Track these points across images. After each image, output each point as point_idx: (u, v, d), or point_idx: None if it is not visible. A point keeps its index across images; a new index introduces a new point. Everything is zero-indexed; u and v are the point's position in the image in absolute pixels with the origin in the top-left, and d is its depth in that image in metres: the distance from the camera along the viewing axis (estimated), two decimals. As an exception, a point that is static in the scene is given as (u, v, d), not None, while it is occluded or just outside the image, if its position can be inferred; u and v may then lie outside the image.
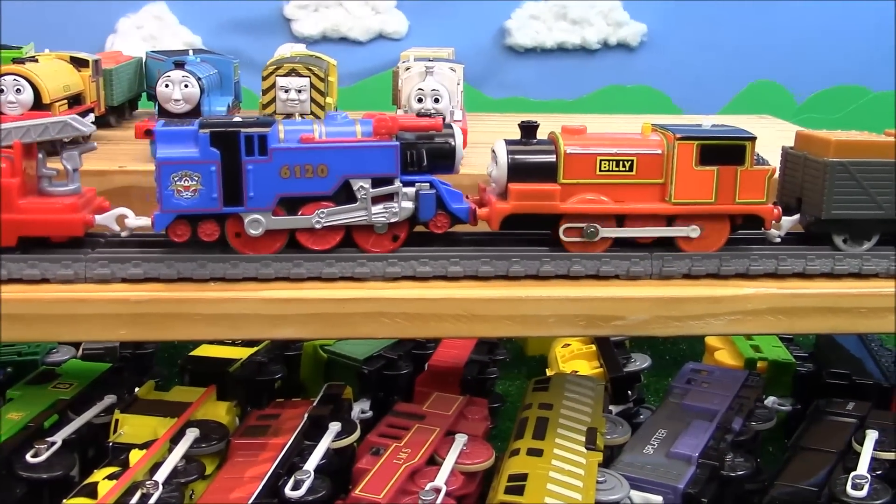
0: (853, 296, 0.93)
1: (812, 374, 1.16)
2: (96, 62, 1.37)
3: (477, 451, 0.92)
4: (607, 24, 2.49)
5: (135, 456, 0.86)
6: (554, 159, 0.87)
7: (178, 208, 0.84)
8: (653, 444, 0.95)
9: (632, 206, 0.89)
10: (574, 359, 1.21)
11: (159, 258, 0.86)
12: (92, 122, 1.27)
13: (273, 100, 1.20)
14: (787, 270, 0.94)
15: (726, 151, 0.88)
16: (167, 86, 1.20)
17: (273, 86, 1.20)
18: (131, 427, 0.93)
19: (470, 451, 0.92)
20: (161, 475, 0.84)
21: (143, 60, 1.57)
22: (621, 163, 0.88)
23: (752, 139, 0.89)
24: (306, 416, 0.95)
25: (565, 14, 2.47)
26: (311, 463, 0.87)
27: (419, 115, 1.19)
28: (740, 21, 2.53)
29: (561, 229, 0.89)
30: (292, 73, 1.19)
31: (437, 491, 0.84)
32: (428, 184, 0.87)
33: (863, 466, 0.92)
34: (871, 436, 0.97)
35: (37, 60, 1.24)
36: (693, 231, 0.90)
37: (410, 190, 0.87)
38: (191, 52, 1.44)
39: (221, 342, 1.16)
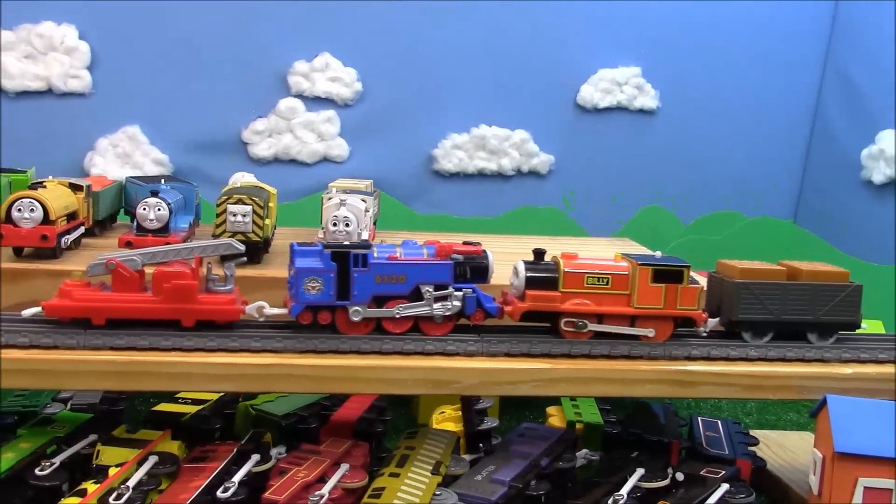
0: (622, 370, 1.39)
1: (616, 433, 1.60)
2: (88, 187, 1.82)
3: (354, 475, 1.35)
4: (520, 155, 3.00)
5: (112, 471, 1.28)
6: (556, 275, 1.32)
7: (307, 301, 1.26)
8: (482, 474, 1.38)
9: (607, 308, 1.33)
10: (445, 421, 1.65)
11: (138, 333, 1.29)
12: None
13: (224, 221, 1.66)
14: (578, 352, 1.39)
15: (670, 274, 1.33)
16: (144, 209, 1.65)
17: (225, 211, 1.66)
18: (109, 455, 1.35)
19: (350, 475, 1.34)
20: (131, 483, 1.26)
21: (124, 184, 2.03)
22: (601, 279, 1.32)
23: (688, 266, 1.34)
24: (235, 450, 1.38)
25: (484, 145, 2.97)
26: (237, 477, 1.30)
27: (333, 236, 1.65)
28: (633, 155, 3.05)
29: (561, 323, 1.32)
30: (239, 202, 1.65)
31: (322, 497, 1.26)
32: (471, 290, 1.31)
33: (624, 490, 1.36)
34: (638, 472, 1.41)
35: (45, 186, 1.68)
36: (650, 332, 1.33)
37: (459, 293, 1.30)
38: (163, 181, 1.90)
39: (176, 400, 1.59)
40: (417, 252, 1.31)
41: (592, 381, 1.37)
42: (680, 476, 1.42)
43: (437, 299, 1.29)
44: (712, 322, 1.41)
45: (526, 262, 1.35)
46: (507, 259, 1.44)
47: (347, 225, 1.64)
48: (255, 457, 1.37)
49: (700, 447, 1.55)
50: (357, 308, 1.28)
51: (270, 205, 1.81)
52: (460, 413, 1.65)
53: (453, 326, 1.34)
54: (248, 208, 1.65)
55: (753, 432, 1.73)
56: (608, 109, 3.02)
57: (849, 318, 1.40)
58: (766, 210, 3.16)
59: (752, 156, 3.10)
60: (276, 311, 1.33)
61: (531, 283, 1.32)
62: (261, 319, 1.33)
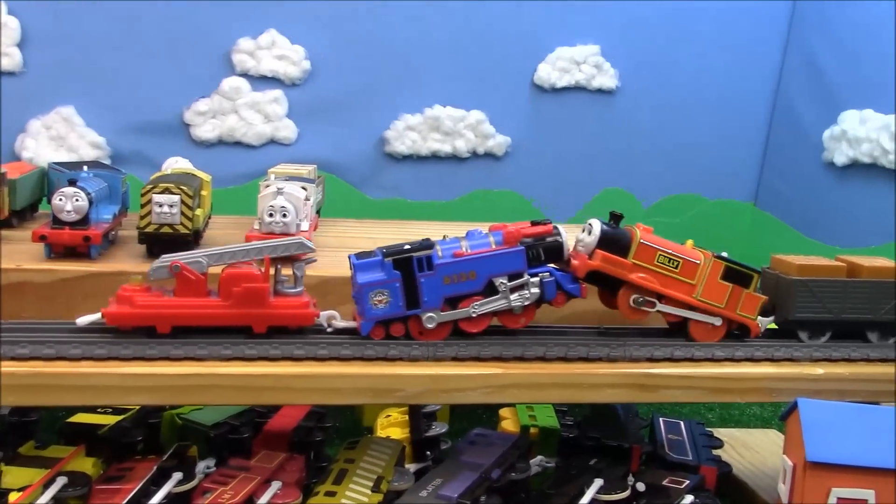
0: (580, 373, 1.27)
1: (574, 438, 1.49)
2: (3, 174, 1.66)
3: (287, 494, 1.22)
4: (476, 136, 2.87)
5: (13, 497, 1.13)
6: (630, 243, 1.22)
7: (376, 317, 1.15)
8: (428, 489, 1.25)
9: (670, 291, 1.23)
10: (391, 426, 1.52)
11: (43, 341, 1.15)
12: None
13: (150, 212, 1.51)
14: (532, 354, 1.27)
15: (742, 276, 1.25)
16: (60, 200, 1.49)
17: (150, 201, 1.50)
18: (13, 476, 1.20)
19: (282, 493, 1.21)
20: (33, 511, 1.12)
21: (46, 171, 1.86)
22: (672, 261, 1.24)
23: (759, 273, 1.25)
24: (155, 467, 1.24)
25: (438, 127, 2.84)
26: (155, 500, 1.16)
27: (269, 227, 1.50)
28: (592, 137, 2.94)
29: (621, 294, 1.22)
30: (166, 191, 1.50)
31: (249, 522, 1.13)
32: (548, 273, 1.19)
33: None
34: (596, 483, 1.30)
35: (-48, 175, 1.52)
36: (716, 320, 1.24)
37: (536, 279, 1.19)
38: (85, 168, 1.73)
39: (94, 410, 1.44)
40: (484, 242, 1.20)
41: (547, 387, 1.25)
42: (641, 486, 1.31)
43: (512, 290, 1.18)
44: (765, 321, 1.31)
45: (603, 222, 1.24)
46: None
47: (285, 215, 1.50)
48: (177, 475, 1.23)
49: (662, 452, 1.44)
50: (430, 314, 1.17)
51: (203, 193, 1.66)
52: (407, 417, 1.52)
53: (533, 315, 1.22)
54: (176, 198, 1.49)
55: (717, 431, 1.63)
56: (566, 89, 2.90)
57: None
58: (727, 192, 3.07)
59: (713, 137, 3.00)
60: (347, 323, 1.21)
61: (604, 243, 1.21)
62: (329, 331, 1.21)
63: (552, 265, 1.22)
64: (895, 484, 1.18)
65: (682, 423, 1.57)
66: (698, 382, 1.29)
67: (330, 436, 1.52)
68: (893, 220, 2.58)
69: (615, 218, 1.26)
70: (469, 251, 1.18)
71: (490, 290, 1.19)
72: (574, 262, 1.23)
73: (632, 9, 2.87)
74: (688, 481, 1.31)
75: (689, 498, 1.27)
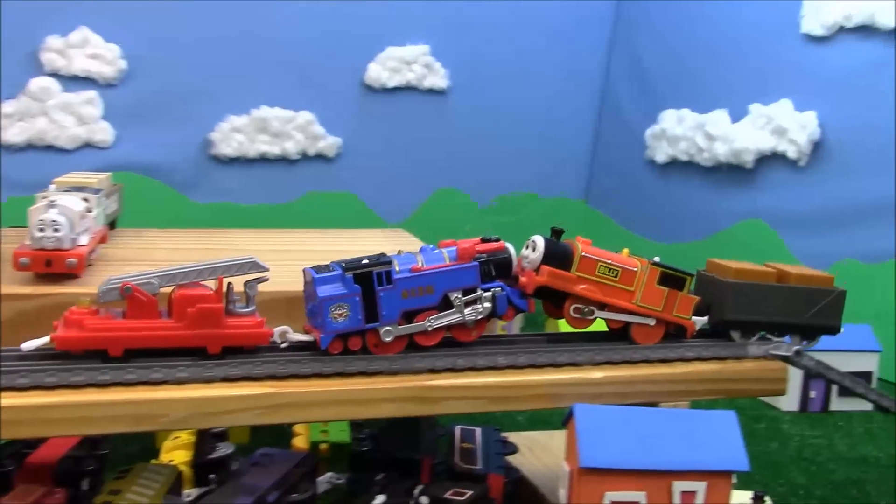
0: (357, 389, 1.23)
1: (364, 452, 1.45)
2: None
3: (38, 534, 1.13)
4: (305, 138, 2.81)
5: None
6: (572, 256, 1.22)
7: (335, 330, 1.13)
8: (198, 518, 1.20)
9: (612, 300, 1.25)
10: (176, 449, 1.45)
11: None
12: None
13: None
14: (307, 371, 1.23)
15: (676, 280, 1.27)
16: None
17: None
18: None
19: (32, 534, 1.13)
20: None
21: None
22: (611, 270, 1.24)
23: (692, 276, 1.28)
24: None
25: (266, 128, 2.76)
26: None
27: (40, 243, 1.41)
28: (425, 136, 2.92)
29: (566, 305, 1.23)
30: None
31: (-14, 568, 1.04)
32: (500, 287, 1.19)
33: (360, 524, 1.21)
34: (379, 499, 1.27)
35: None
36: (650, 321, 1.28)
37: (488, 294, 1.18)
38: None
39: None
40: (438, 258, 1.21)
41: (325, 405, 1.20)
42: (425, 500, 1.29)
43: (467, 304, 1.20)
44: (700, 320, 1.34)
45: (545, 238, 1.25)
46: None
47: (56, 230, 1.40)
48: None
49: (452, 463, 1.43)
50: (388, 328, 1.17)
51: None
52: (193, 438, 1.46)
53: (483, 329, 1.24)
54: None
55: (521, 434, 1.63)
56: (398, 89, 2.88)
57: (832, 322, 1.37)
58: (560, 190, 3.12)
59: (544, 136, 3.04)
60: (303, 337, 1.16)
61: (549, 257, 1.24)
62: (283, 346, 1.16)
63: (501, 280, 1.24)
64: (665, 484, 1.20)
65: (477, 430, 1.56)
66: (480, 392, 1.27)
67: (111, 462, 1.43)
68: (709, 216, 2.67)
69: (556, 233, 1.29)
70: (426, 266, 1.20)
71: (445, 304, 1.21)
72: (522, 278, 1.25)
73: (461, 8, 2.87)
74: (471, 491, 1.30)
75: (471, 509, 1.26)
